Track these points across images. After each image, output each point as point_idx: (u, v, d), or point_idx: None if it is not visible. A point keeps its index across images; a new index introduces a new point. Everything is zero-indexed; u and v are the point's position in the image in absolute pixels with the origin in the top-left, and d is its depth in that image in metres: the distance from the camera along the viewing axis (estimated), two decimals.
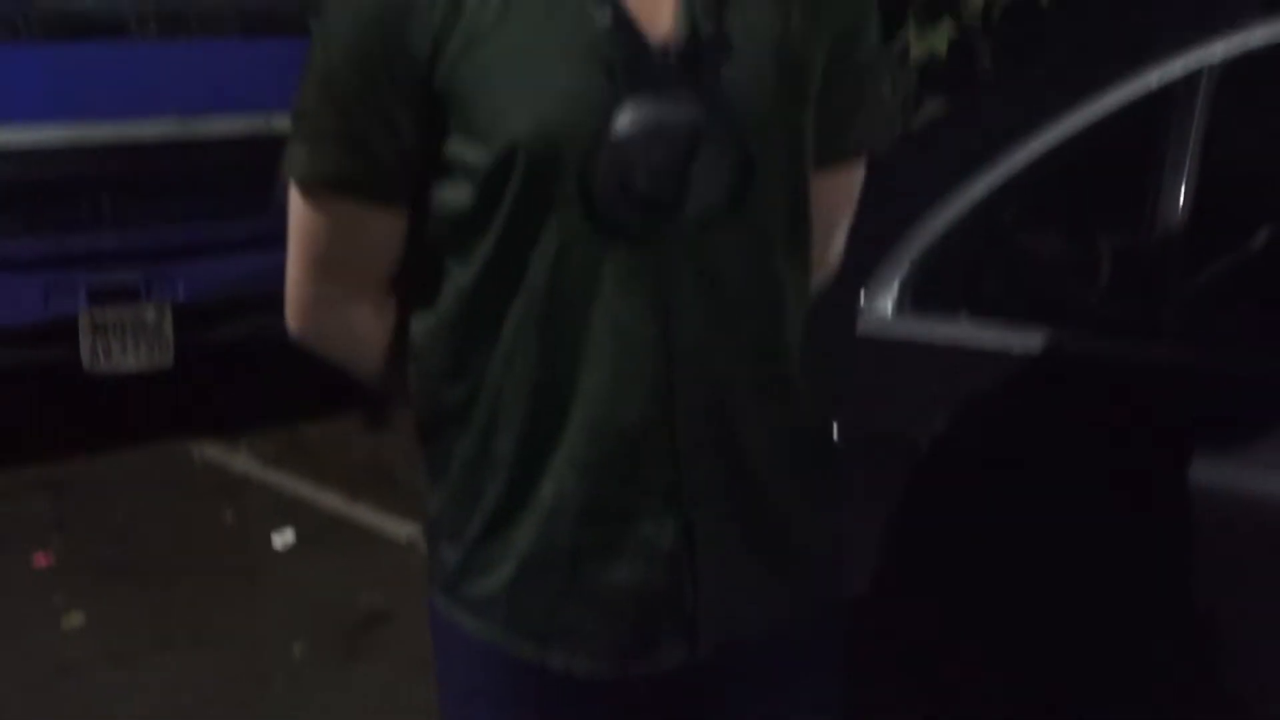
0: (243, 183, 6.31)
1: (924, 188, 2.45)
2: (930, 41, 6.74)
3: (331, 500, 5.94)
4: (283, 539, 5.53)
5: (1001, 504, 2.17)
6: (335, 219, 1.58)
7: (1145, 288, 2.17)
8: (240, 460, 6.51)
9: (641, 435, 1.52)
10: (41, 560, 5.36)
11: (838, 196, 1.73)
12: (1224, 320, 2.18)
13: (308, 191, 1.57)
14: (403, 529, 5.45)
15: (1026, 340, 2.19)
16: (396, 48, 1.46)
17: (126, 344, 6.20)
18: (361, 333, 1.69)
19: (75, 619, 4.90)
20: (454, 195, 1.50)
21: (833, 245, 1.79)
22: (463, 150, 1.47)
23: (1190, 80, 2.16)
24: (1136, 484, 2.00)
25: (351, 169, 1.53)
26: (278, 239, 4.62)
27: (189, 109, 6.19)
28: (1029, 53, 6.95)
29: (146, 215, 6.24)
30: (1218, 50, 2.16)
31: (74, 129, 6.08)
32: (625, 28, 1.44)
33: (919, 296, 2.35)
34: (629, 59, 1.44)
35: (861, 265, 2.39)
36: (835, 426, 2.24)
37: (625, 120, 1.42)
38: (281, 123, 5.70)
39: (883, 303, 2.37)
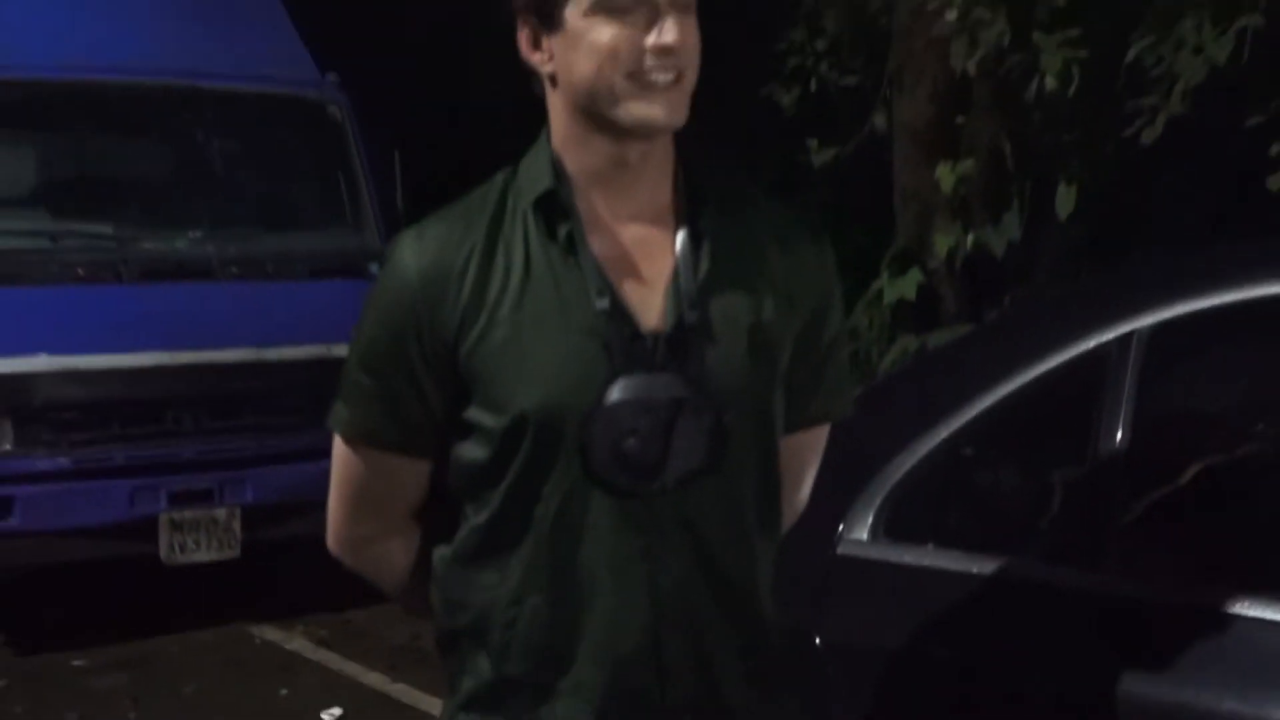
0: (305, 401, 6.33)
1: (895, 429, 2.46)
2: (901, 287, 6.84)
3: (375, 679, 5.82)
4: (331, 715, 5.40)
5: (962, 710, 2.13)
6: (369, 467, 1.63)
7: (1088, 520, 2.16)
8: (295, 641, 6.42)
9: (635, 661, 1.54)
10: None
11: (805, 455, 1.77)
12: (1156, 551, 2.16)
13: (347, 443, 1.63)
14: (438, 706, 5.33)
15: (984, 566, 2.18)
16: (428, 327, 1.52)
17: (200, 540, 6.20)
18: (388, 561, 1.73)
19: None
20: (472, 451, 1.55)
21: (801, 492, 1.81)
22: (480, 416, 1.53)
23: (1123, 341, 2.18)
24: (1077, 700, 1.96)
25: (384, 428, 1.59)
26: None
27: (262, 339, 6.27)
28: (988, 298, 7.08)
29: (221, 428, 6.27)
30: (1145, 319, 2.18)
31: (162, 355, 6.15)
32: (620, 315, 1.51)
33: (891, 525, 2.34)
34: (623, 342, 1.50)
35: (841, 496, 2.39)
36: (817, 636, 2.23)
37: (617, 394, 1.47)
38: (340, 350, 5.77)
39: (859, 530, 2.36)
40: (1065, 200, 6.01)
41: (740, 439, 1.53)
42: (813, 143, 7.15)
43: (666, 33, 1.45)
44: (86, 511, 6.04)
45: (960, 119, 6.81)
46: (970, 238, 6.50)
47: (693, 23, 1.50)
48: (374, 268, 6.69)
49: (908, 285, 6.75)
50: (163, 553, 6.13)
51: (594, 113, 1.50)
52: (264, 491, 6.29)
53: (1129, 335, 2.18)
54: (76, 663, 6.09)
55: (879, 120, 7.16)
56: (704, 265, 1.54)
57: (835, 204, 9.62)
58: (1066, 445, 2.33)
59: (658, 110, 1.48)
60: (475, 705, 1.61)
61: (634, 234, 1.55)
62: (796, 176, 8.76)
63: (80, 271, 6.18)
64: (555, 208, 1.53)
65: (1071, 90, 5.79)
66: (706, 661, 1.57)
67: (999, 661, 2.12)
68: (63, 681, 5.85)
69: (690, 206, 1.57)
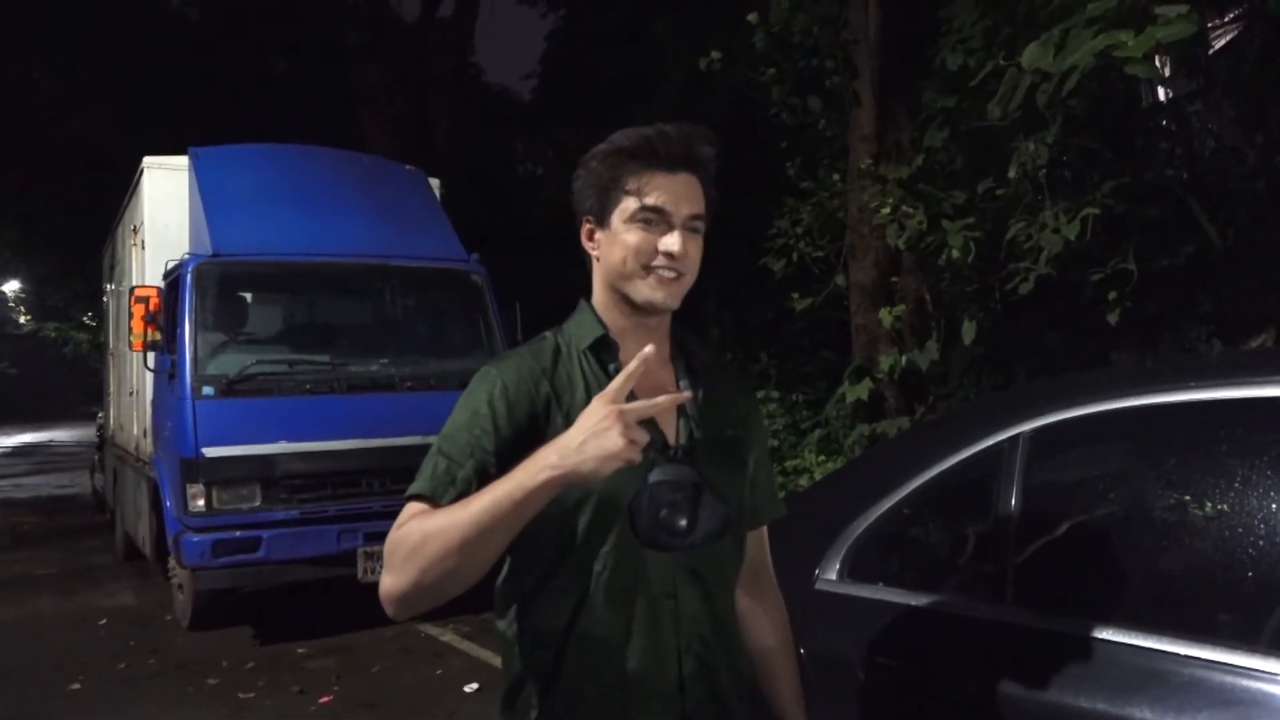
0: None
1: (856, 497, 2.37)
2: (857, 391, 6.77)
3: None
4: (471, 688, 5.29)
5: (904, 706, 2.02)
6: (415, 523, 1.38)
7: (991, 567, 2.06)
8: (447, 634, 6.35)
9: (666, 682, 1.48)
10: (325, 699, 5.17)
11: (762, 545, 1.72)
12: (1042, 589, 2.05)
13: (413, 502, 1.42)
14: None
15: (919, 600, 2.08)
16: (506, 420, 1.44)
17: (384, 565, 6.13)
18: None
19: None
20: (550, 516, 1.38)
21: (772, 574, 1.75)
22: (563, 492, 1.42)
23: (1013, 440, 2.11)
24: (985, 700, 1.84)
25: (451, 493, 1.39)
26: None
27: (426, 429, 6.23)
28: (917, 398, 7.01)
29: (399, 489, 6.19)
30: (1028, 424, 2.11)
31: (360, 441, 6.19)
32: (653, 426, 1.49)
33: (853, 568, 2.25)
34: (658, 446, 1.48)
35: (818, 546, 2.31)
36: (802, 649, 2.12)
37: (657, 476, 1.43)
38: None
39: (831, 572, 2.27)
40: (968, 332, 5.95)
41: (732, 514, 1.51)
42: (795, 295, 7.15)
43: (673, 243, 1.45)
44: (308, 546, 6.07)
45: (895, 278, 6.80)
46: (904, 358, 6.44)
47: (697, 240, 1.49)
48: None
49: (862, 390, 6.68)
50: (359, 574, 6.12)
51: (618, 289, 1.50)
52: None
53: (1017, 436, 2.11)
54: (300, 650, 6.04)
55: (839, 280, 7.15)
56: (700, 396, 1.54)
57: (811, 334, 9.63)
58: (976, 513, 2.24)
59: (659, 295, 1.47)
60: None
61: (653, 373, 1.51)
62: (783, 317, 8.78)
63: (308, 387, 6.25)
64: (606, 349, 1.51)
65: (970, 258, 5.76)
66: (713, 681, 1.51)
67: (929, 670, 2.01)
68: (290, 663, 5.80)
69: (684, 358, 1.58)
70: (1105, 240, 5.68)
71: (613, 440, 1.27)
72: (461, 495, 1.37)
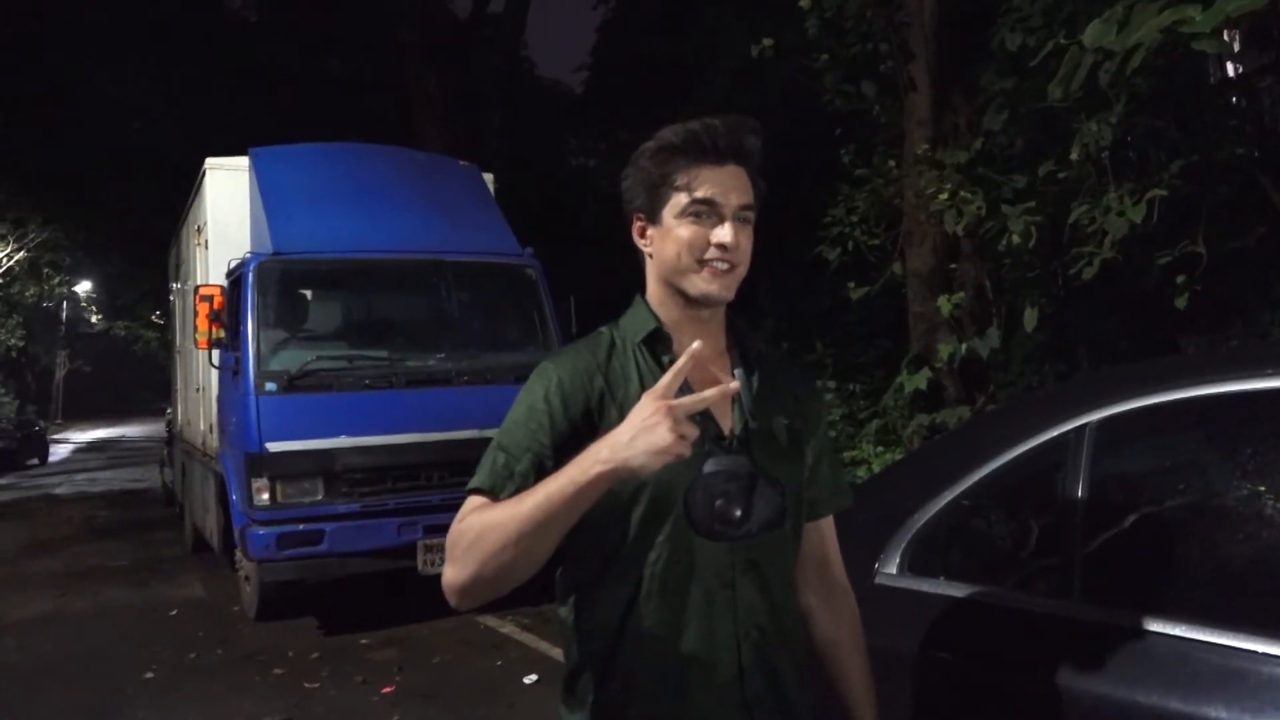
0: None
1: (916, 491, 2.33)
2: (916, 381, 6.67)
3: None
4: (530, 679, 5.33)
5: (963, 701, 1.98)
6: (475, 515, 1.40)
7: (1057, 561, 2.01)
8: (507, 626, 6.39)
9: (722, 663, 1.48)
10: (387, 689, 5.24)
11: (829, 534, 1.70)
12: (1108, 584, 1.99)
13: (477, 495, 1.43)
14: None
15: (981, 594, 2.04)
16: (562, 414, 1.45)
17: (444, 558, 6.19)
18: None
19: None
20: (601, 513, 1.39)
21: (839, 564, 1.72)
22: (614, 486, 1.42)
23: (1080, 430, 2.06)
24: (1046, 695, 1.80)
25: (506, 484, 1.41)
26: None
27: (482, 423, 6.30)
28: (977, 388, 6.89)
29: (458, 482, 6.29)
30: (1095, 414, 2.06)
31: (419, 435, 6.26)
32: (707, 416, 1.48)
33: (913, 563, 2.21)
34: (713, 435, 1.48)
35: (877, 541, 2.27)
36: None
37: (711, 467, 1.43)
38: None
39: (890, 566, 2.23)
40: (1030, 319, 5.83)
41: (789, 504, 1.51)
42: (851, 284, 7.06)
43: (725, 234, 1.46)
44: (370, 539, 6.14)
45: (953, 265, 6.68)
46: (964, 346, 6.33)
47: (748, 230, 1.50)
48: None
49: (920, 380, 6.58)
50: (419, 566, 6.19)
51: (672, 283, 1.51)
52: None
53: (1083, 426, 2.05)
54: (363, 641, 6.13)
55: (896, 268, 7.05)
56: (755, 388, 1.54)
57: (867, 323, 9.51)
58: (1040, 505, 2.19)
59: (714, 288, 1.48)
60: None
61: (707, 365, 1.53)
62: (838, 307, 8.68)
63: (367, 382, 6.32)
64: (660, 342, 1.52)
65: (1031, 243, 5.64)
66: (772, 668, 1.51)
67: (992, 667, 1.96)
68: (353, 654, 5.89)
69: (740, 348, 1.58)
70: (1172, 222, 5.52)
71: (661, 435, 1.27)
72: (520, 489, 1.39)
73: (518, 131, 16.85)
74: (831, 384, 8.28)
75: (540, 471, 1.40)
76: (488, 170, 8.24)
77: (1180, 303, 5.26)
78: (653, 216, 1.51)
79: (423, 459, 6.26)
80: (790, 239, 8.55)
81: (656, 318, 1.53)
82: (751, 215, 1.50)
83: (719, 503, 1.42)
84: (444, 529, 5.91)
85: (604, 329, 1.58)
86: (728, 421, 1.51)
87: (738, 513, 1.42)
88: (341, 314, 6.87)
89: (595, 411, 1.46)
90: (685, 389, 1.44)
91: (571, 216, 14.11)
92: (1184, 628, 1.70)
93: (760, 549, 1.48)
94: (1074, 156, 5.29)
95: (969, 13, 6.50)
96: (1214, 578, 1.98)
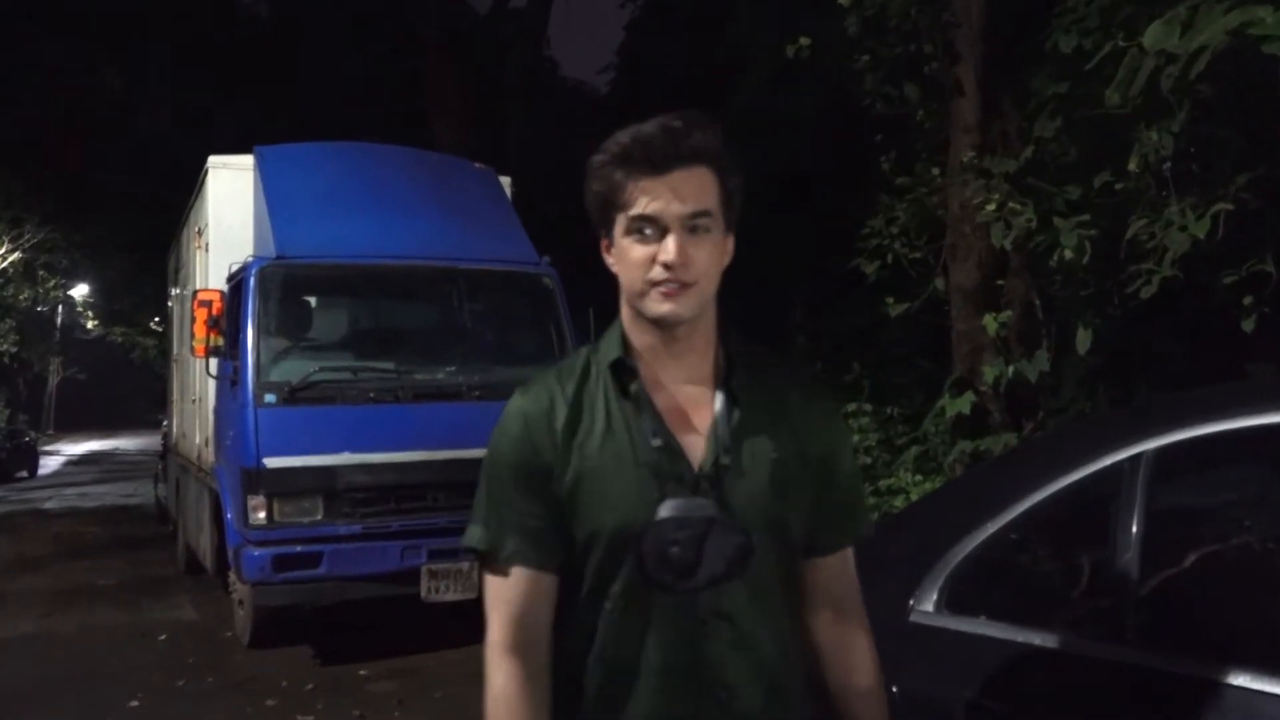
0: None
1: (956, 521, 2.29)
2: (958, 405, 6.62)
3: None
4: None
5: None
6: (503, 581, 1.49)
7: (1110, 601, 1.97)
8: None
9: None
10: None
11: (845, 576, 1.62)
12: (1167, 628, 1.95)
13: (483, 561, 1.51)
14: None
15: (1027, 636, 2.00)
16: (531, 454, 1.48)
17: (450, 584, 6.22)
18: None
19: None
20: (566, 552, 1.48)
21: (857, 610, 1.62)
22: (570, 529, 1.47)
23: (1135, 459, 2.03)
24: None
25: (508, 541, 1.48)
26: None
27: None
28: (1025, 414, 6.82)
29: (467, 504, 6.22)
30: (1152, 443, 2.03)
31: (426, 453, 6.25)
32: (672, 452, 1.47)
33: (952, 600, 2.17)
34: (672, 473, 1.45)
35: (913, 574, 2.24)
36: (894, 688, 2.05)
37: (663, 513, 1.42)
38: None
39: (927, 603, 2.19)
40: (1083, 341, 5.76)
41: (764, 550, 1.46)
42: (890, 300, 7.03)
43: (667, 251, 1.41)
44: (371, 563, 6.13)
45: (1000, 281, 6.64)
46: (1011, 369, 6.27)
47: (705, 241, 1.44)
48: None
49: (964, 404, 6.52)
50: (423, 593, 6.17)
51: (634, 306, 1.49)
52: None
53: (1139, 455, 2.02)
54: (361, 672, 6.12)
55: (939, 283, 7.00)
56: (736, 417, 1.49)
57: (907, 342, 9.45)
58: (1091, 540, 2.15)
59: (667, 308, 1.43)
60: None
61: (685, 393, 1.50)
62: (877, 324, 8.63)
63: (372, 395, 6.33)
64: (624, 370, 1.50)
65: (1085, 259, 5.58)
66: None
67: (1037, 715, 1.92)
68: (350, 686, 5.88)
69: (726, 373, 1.52)
70: (1239, 239, 5.44)
71: None
72: (520, 549, 1.46)
73: (539, 133, 16.94)
74: (868, 407, 8.22)
75: (530, 523, 1.46)
76: (505, 174, 8.27)
77: (1247, 325, 5.18)
78: (609, 235, 1.49)
79: (430, 478, 6.24)
80: (827, 252, 8.52)
81: (624, 342, 1.51)
82: (706, 221, 1.43)
83: (672, 550, 1.41)
84: (450, 553, 5.88)
85: (584, 349, 1.58)
86: (699, 453, 1.47)
87: (689, 562, 1.40)
88: (347, 323, 6.89)
89: (558, 450, 1.47)
90: (657, 420, 1.47)
91: (593, 224, 14.14)
92: (1247, 677, 1.66)
93: (731, 599, 1.44)
94: (1132, 167, 5.23)
95: (1020, 13, 6.47)
96: (1270, 619, 1.94)
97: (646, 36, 18.22)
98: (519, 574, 1.47)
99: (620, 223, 1.45)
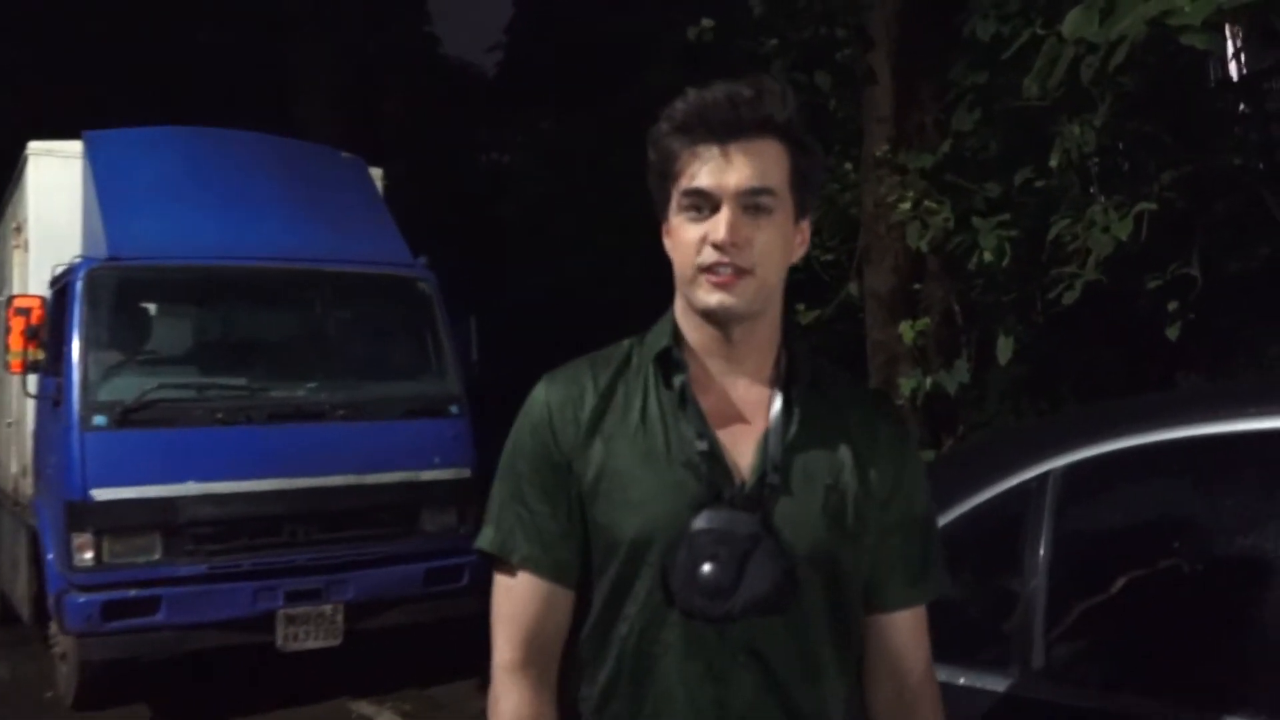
0: (396, 516, 6.42)
1: None
2: None
3: None
4: None
5: None
6: (512, 585, 1.46)
7: (1017, 632, 2.02)
8: (385, 715, 6.29)
9: None
10: None
11: (910, 637, 1.55)
12: (1080, 656, 2.01)
13: (493, 565, 1.48)
14: None
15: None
16: (555, 447, 1.45)
17: (310, 630, 6.14)
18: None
19: None
20: (580, 568, 1.46)
21: (924, 669, 1.56)
22: (587, 537, 1.44)
23: (1042, 477, 2.11)
24: None
25: (522, 544, 1.45)
26: (418, 556, 5.71)
27: (361, 467, 6.29)
28: (946, 429, 6.98)
29: (328, 539, 6.23)
30: (1060, 460, 2.10)
31: (282, 481, 6.17)
32: (715, 458, 1.42)
33: None
34: (712, 480, 1.41)
35: None
36: None
37: (701, 523, 1.38)
38: (427, 475, 5.79)
39: None
40: (1004, 349, 5.94)
41: (811, 586, 1.40)
42: (800, 306, 7.14)
43: (718, 229, 1.38)
44: (218, 607, 6.00)
45: (917, 286, 6.79)
46: (928, 380, 6.42)
47: (764, 223, 1.40)
48: (454, 409, 6.77)
49: None
50: (278, 641, 6.06)
51: (685, 294, 1.46)
52: (363, 590, 6.25)
53: (1046, 473, 2.10)
54: None
55: (853, 288, 7.15)
56: (792, 430, 1.45)
57: (825, 351, 9.62)
58: (998, 563, 2.21)
59: (714, 300, 1.39)
60: None
61: (736, 395, 1.46)
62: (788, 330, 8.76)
63: (220, 416, 6.20)
64: (671, 362, 1.46)
65: (1005, 261, 5.75)
66: None
67: None
68: None
69: (787, 380, 1.48)
70: (1167, 241, 5.67)
71: None
72: (531, 552, 1.44)
73: (418, 119, 16.79)
74: None
75: (546, 524, 1.44)
76: (379, 164, 8.19)
77: (1171, 333, 5.40)
78: (665, 214, 1.47)
79: (287, 510, 6.16)
80: None
81: (675, 333, 1.49)
82: (769, 200, 1.40)
83: (704, 569, 1.35)
84: (310, 595, 5.78)
85: (626, 341, 1.55)
86: (746, 471, 1.43)
87: (725, 584, 1.35)
88: (191, 333, 6.74)
89: (580, 441, 1.44)
90: (705, 427, 1.43)
91: (480, 221, 14.08)
92: (1163, 712, 1.72)
93: (765, 634, 1.38)
94: (1054, 163, 5.42)
95: None
96: (1201, 652, 2.00)
97: (539, 11, 18.22)
98: (531, 584, 1.43)
99: (674, 199, 1.43)
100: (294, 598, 6.05)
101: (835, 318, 7.29)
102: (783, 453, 1.43)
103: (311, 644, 6.10)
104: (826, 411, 1.48)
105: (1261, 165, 6.88)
